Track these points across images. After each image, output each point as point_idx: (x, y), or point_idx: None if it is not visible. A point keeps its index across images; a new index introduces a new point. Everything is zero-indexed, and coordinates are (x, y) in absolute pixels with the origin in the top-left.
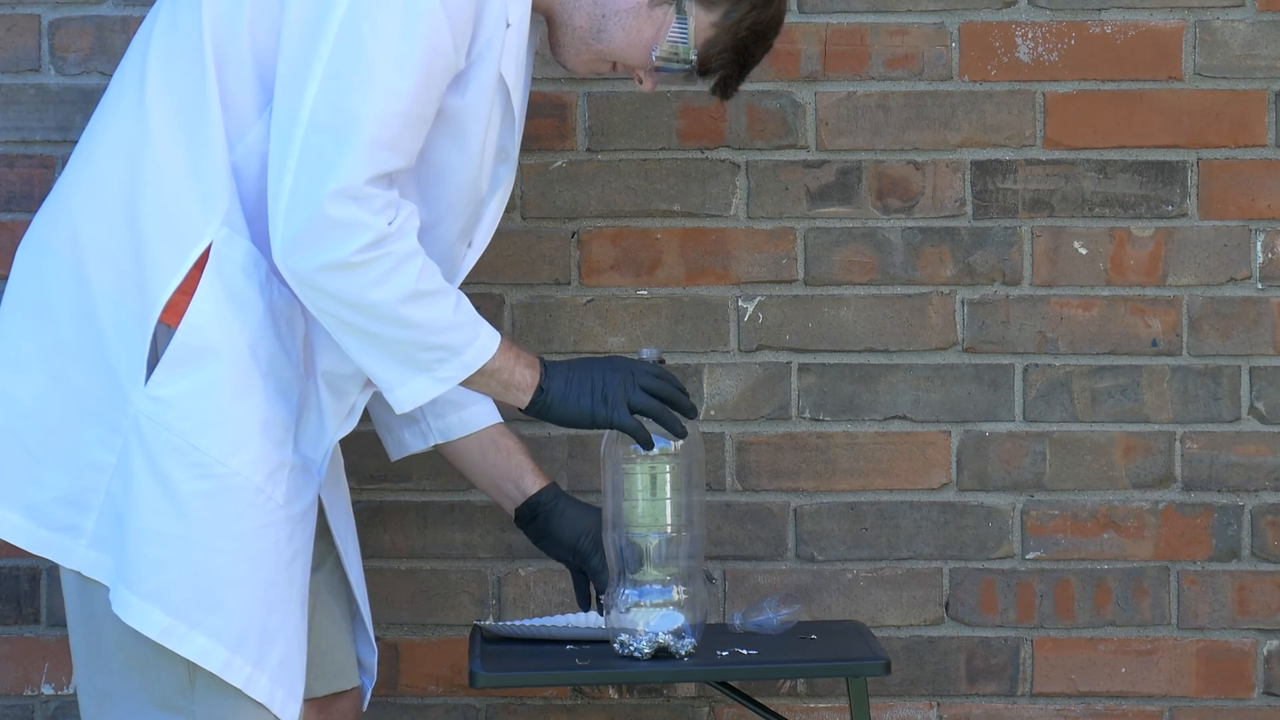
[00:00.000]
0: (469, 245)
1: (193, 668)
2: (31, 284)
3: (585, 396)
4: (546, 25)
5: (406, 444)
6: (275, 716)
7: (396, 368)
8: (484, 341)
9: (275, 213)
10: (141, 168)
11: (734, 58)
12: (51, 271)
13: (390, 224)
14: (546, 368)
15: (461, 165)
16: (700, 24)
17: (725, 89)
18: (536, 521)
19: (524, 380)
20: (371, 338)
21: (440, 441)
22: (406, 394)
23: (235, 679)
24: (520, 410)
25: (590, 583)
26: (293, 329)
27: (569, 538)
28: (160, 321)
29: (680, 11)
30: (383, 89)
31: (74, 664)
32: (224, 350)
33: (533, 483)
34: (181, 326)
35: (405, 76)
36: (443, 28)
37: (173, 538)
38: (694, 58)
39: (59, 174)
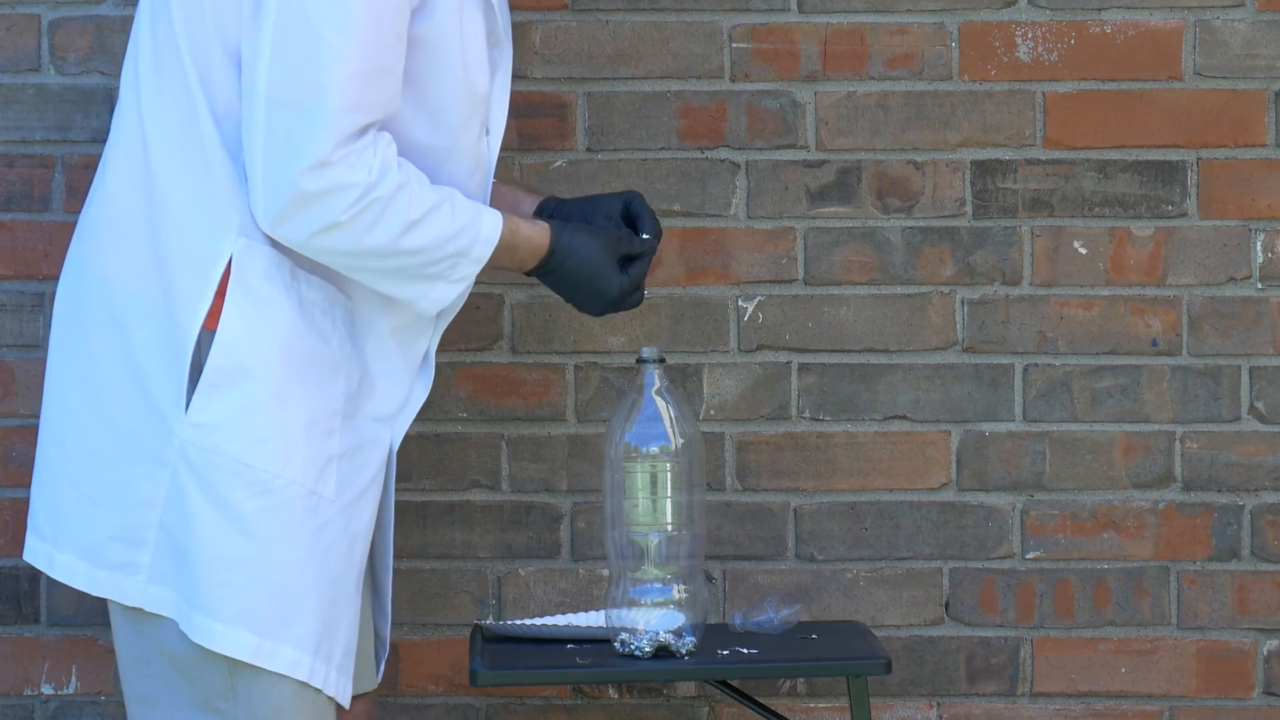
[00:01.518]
0: (487, 133)
1: (233, 670)
2: (70, 324)
3: (595, 272)
4: None
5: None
6: (322, 707)
7: (413, 284)
8: (488, 231)
9: (254, 192)
10: (152, 194)
11: None
12: (86, 310)
13: (370, 172)
14: (552, 249)
15: (454, 81)
16: None
17: None
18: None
19: (528, 252)
20: (381, 271)
21: None
22: (433, 301)
23: (317, 680)
24: (528, 274)
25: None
26: (331, 314)
27: (578, 216)
28: (204, 328)
29: None
30: (332, 55)
31: (118, 667)
32: (257, 364)
33: (530, 202)
34: (213, 349)
35: (351, 37)
36: None
37: (243, 559)
38: None
39: (59, 174)
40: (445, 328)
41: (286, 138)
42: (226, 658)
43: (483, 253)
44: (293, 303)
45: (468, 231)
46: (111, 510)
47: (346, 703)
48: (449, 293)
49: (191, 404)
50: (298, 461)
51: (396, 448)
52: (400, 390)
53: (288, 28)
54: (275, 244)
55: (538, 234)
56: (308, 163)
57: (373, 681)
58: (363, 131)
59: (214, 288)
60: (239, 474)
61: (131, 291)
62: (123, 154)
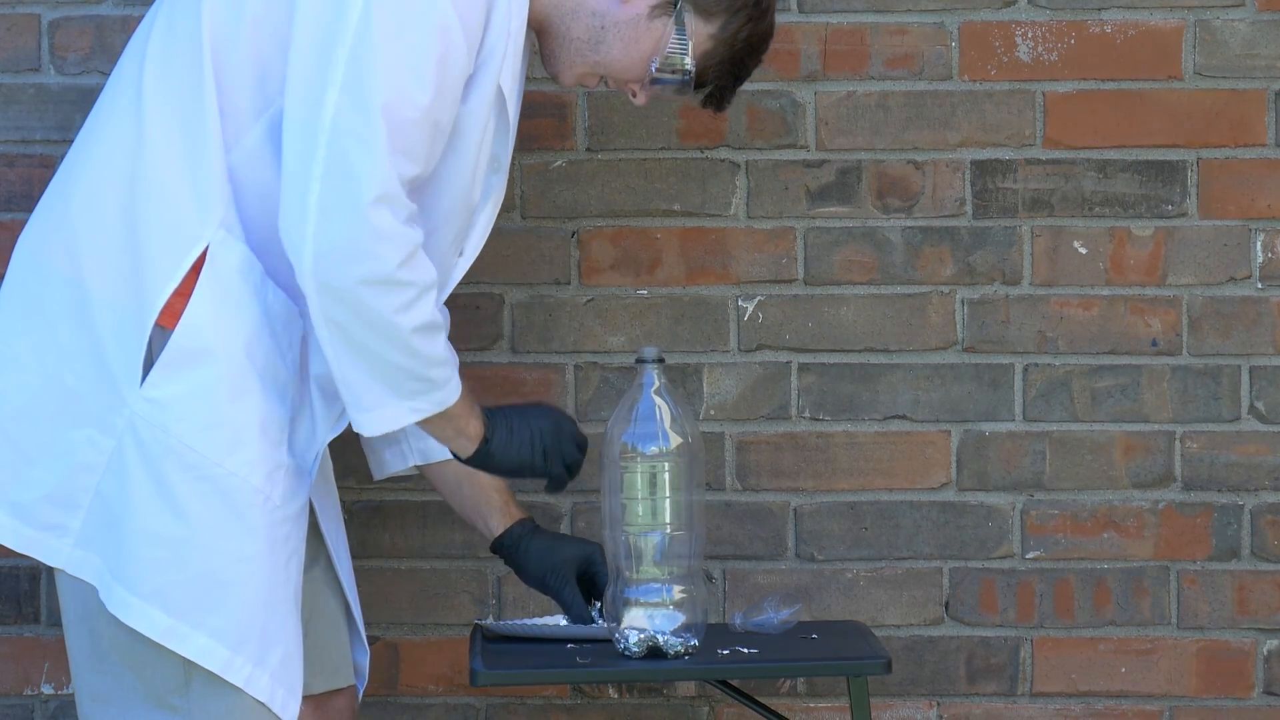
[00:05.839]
0: (460, 254)
1: (189, 667)
2: (28, 284)
3: (525, 446)
4: (537, 37)
5: (386, 464)
6: (274, 715)
7: (379, 391)
8: (455, 382)
9: (302, 223)
10: (138, 170)
11: (729, 69)
12: (48, 272)
13: (418, 234)
14: (490, 419)
15: (458, 173)
16: (698, 36)
17: (720, 101)
18: (506, 556)
19: (473, 430)
20: (371, 357)
21: (420, 463)
22: (379, 418)
23: (236, 678)
24: (459, 459)
25: (579, 602)
26: (289, 331)
27: (536, 573)
28: (157, 324)
29: (679, 23)
30: (402, 96)
31: (70, 664)
32: (220, 352)
33: (499, 523)
34: (178, 329)
35: (423, 85)
36: (456, 33)
37: (171, 539)
38: (692, 69)
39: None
40: None
41: (347, 168)
42: (181, 655)
43: (447, 398)
44: (260, 306)
45: (449, 367)
46: (48, 470)
47: (290, 717)
48: (399, 418)
49: (148, 379)
50: (244, 456)
51: (312, 483)
52: (316, 439)
53: (362, 64)
54: (252, 245)
55: (476, 426)
56: (376, 193)
57: (348, 678)
58: (409, 189)
59: (184, 271)
60: (182, 455)
61: (100, 259)
62: (113, 122)
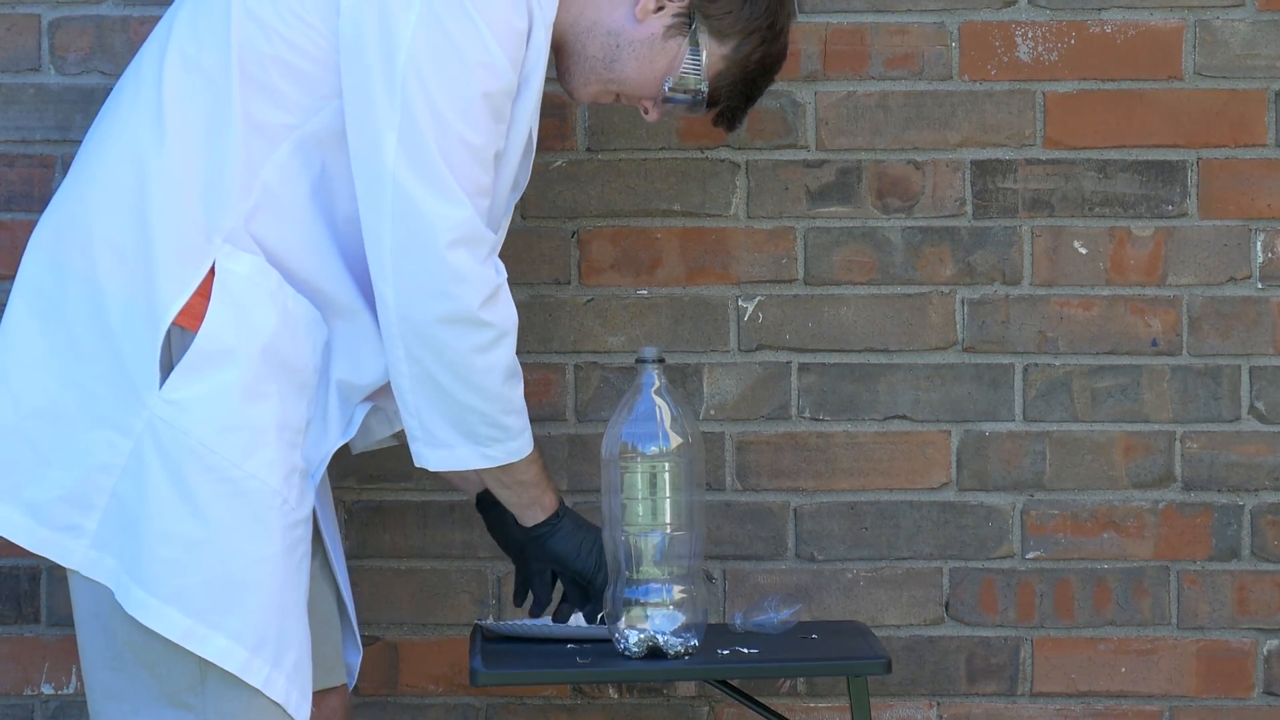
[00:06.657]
0: None
1: (204, 665)
2: (45, 283)
3: (588, 545)
4: (554, 54)
5: (372, 430)
6: (288, 716)
7: (452, 431)
8: (528, 435)
9: (381, 262)
10: (154, 175)
11: (741, 90)
12: (65, 271)
13: (498, 273)
14: (563, 506)
15: (494, 196)
16: (712, 56)
17: (731, 120)
18: (486, 517)
19: (548, 502)
20: (446, 398)
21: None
22: (448, 456)
23: (255, 679)
24: (523, 527)
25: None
26: (312, 334)
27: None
28: (177, 325)
29: (694, 43)
30: (457, 138)
31: (82, 662)
32: (240, 354)
33: None
34: (200, 332)
35: (475, 126)
36: (503, 67)
37: (190, 540)
38: (705, 89)
39: (59, 174)
40: (367, 411)
41: (415, 213)
42: (201, 656)
43: (520, 449)
44: (278, 309)
45: (524, 419)
46: (64, 471)
47: (303, 718)
48: (468, 461)
49: (168, 381)
50: (263, 458)
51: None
52: (327, 442)
53: (414, 104)
54: (262, 254)
55: (552, 500)
56: (449, 236)
57: (340, 677)
58: (488, 220)
59: (196, 284)
60: (201, 457)
61: (115, 260)
62: (132, 121)
